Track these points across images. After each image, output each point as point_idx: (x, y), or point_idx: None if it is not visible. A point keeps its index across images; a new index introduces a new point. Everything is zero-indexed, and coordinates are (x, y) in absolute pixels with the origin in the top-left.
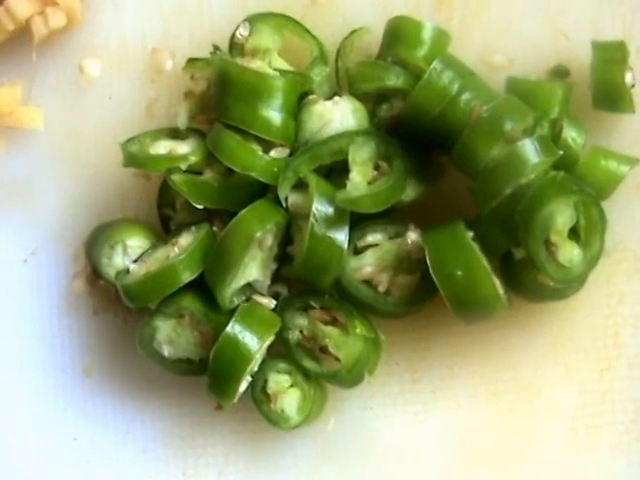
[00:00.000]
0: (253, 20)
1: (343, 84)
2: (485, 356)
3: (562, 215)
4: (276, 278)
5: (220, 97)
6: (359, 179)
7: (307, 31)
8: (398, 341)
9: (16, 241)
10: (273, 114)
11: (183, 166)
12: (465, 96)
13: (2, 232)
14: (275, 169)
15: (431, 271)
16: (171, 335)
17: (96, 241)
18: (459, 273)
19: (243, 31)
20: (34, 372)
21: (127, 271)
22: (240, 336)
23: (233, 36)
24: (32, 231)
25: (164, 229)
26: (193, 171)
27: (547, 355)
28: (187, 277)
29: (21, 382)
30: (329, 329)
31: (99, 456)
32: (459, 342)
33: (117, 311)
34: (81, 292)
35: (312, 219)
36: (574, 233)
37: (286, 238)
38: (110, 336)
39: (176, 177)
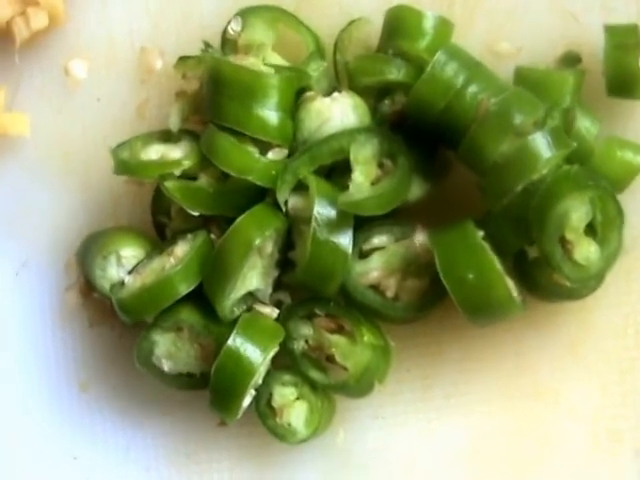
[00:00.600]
0: (245, 14)
1: (342, 78)
2: (500, 360)
3: (577, 211)
4: (278, 285)
5: (213, 97)
6: (362, 179)
7: (302, 24)
8: (408, 346)
9: (6, 253)
10: (269, 114)
11: (176, 171)
12: (471, 88)
13: None
14: (273, 172)
15: (441, 275)
16: (170, 349)
17: (88, 252)
18: (470, 276)
19: (235, 26)
20: (29, 388)
21: (122, 284)
22: (242, 349)
23: (225, 32)
24: (22, 242)
25: (159, 236)
26: (187, 176)
27: (565, 357)
28: (184, 289)
29: (16, 399)
30: (335, 338)
31: (100, 475)
32: (472, 346)
33: (113, 324)
34: (75, 305)
35: (314, 223)
36: (591, 229)
37: (287, 243)
38: (107, 349)
39: (169, 184)
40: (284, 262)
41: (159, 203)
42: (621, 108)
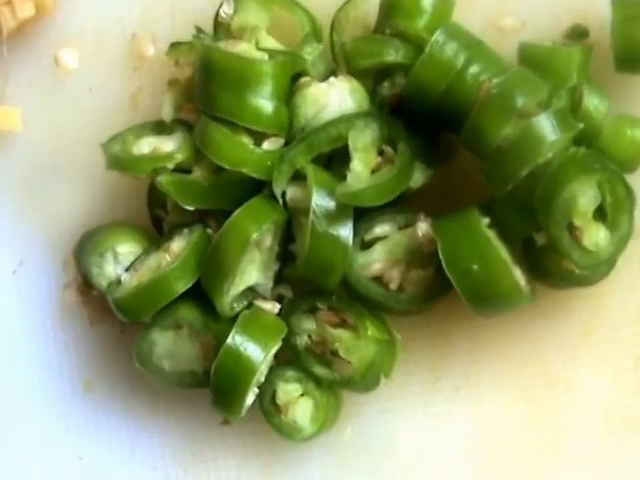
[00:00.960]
0: None
1: (340, 60)
2: (510, 349)
3: (584, 196)
4: (279, 279)
5: (205, 87)
6: (361, 168)
7: (297, 4)
8: (416, 337)
9: (2, 252)
10: (263, 102)
11: (170, 165)
12: (472, 69)
13: None
14: (269, 163)
15: (444, 267)
16: (170, 348)
17: (85, 249)
18: (475, 267)
19: (227, 9)
20: (32, 390)
21: (118, 282)
22: (242, 348)
23: (217, 15)
24: (18, 240)
25: (157, 230)
26: (182, 169)
27: (577, 345)
28: (181, 287)
29: (19, 402)
30: (339, 332)
31: (106, 475)
32: (481, 335)
33: (113, 321)
34: (73, 303)
35: (312, 215)
36: (600, 212)
37: (288, 235)
38: (108, 348)
39: (163, 178)
40: (285, 255)
41: (155, 197)
42: (632, 83)
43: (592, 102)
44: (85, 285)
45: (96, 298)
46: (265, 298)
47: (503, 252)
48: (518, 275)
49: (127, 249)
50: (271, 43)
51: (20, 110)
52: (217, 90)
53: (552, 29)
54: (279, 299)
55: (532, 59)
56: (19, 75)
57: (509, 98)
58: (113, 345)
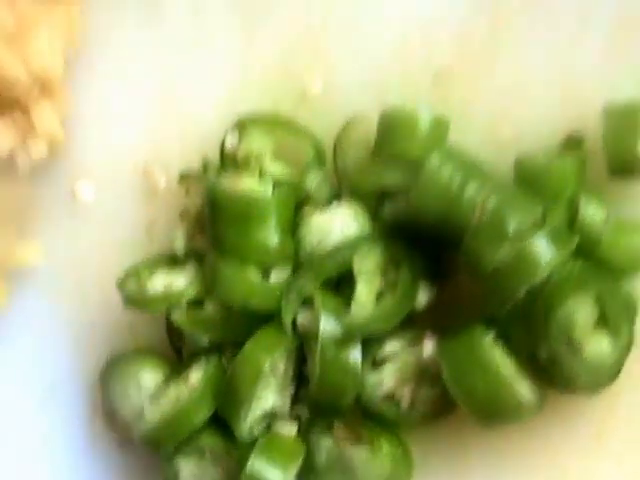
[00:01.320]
0: (242, 125)
1: (344, 181)
2: (525, 454)
3: (582, 311)
4: (297, 398)
5: (211, 223)
6: (365, 294)
7: (300, 130)
8: (431, 450)
9: (31, 381)
10: (268, 237)
11: (183, 300)
12: (468, 191)
13: (16, 372)
14: (277, 293)
15: (449, 389)
16: (195, 472)
17: (108, 379)
18: (479, 387)
19: (232, 140)
20: None
21: (140, 415)
22: (261, 474)
23: (222, 146)
24: (46, 368)
25: (177, 354)
26: (195, 300)
27: (592, 447)
28: (200, 419)
29: None
30: (355, 449)
31: None
32: (496, 442)
33: None
34: (102, 427)
35: (320, 342)
36: (602, 318)
37: (302, 356)
38: (138, 470)
39: (177, 315)
40: (300, 375)
41: (172, 327)
42: (629, 187)
43: (589, 212)
44: (111, 412)
45: (123, 423)
46: (283, 419)
47: (507, 369)
48: (524, 389)
49: (149, 376)
50: (277, 168)
51: (40, 243)
52: (223, 227)
53: (549, 137)
54: (298, 417)
55: (527, 174)
56: (38, 210)
57: (501, 223)
58: (142, 467)
